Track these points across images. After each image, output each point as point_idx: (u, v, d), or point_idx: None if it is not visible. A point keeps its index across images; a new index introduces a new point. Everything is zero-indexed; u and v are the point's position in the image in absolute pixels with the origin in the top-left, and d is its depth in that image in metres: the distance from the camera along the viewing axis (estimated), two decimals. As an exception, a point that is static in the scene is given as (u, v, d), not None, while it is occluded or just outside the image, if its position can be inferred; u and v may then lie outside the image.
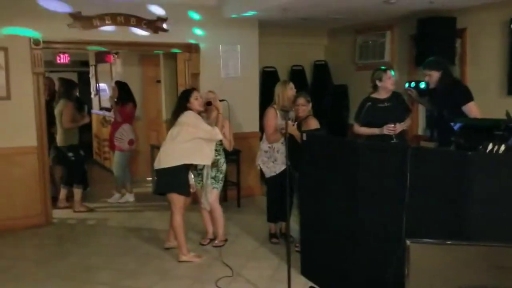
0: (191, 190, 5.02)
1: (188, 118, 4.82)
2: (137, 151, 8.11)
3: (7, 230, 5.84)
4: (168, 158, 4.81)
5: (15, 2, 5.75)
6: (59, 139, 6.80)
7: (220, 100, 5.14)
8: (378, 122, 4.72)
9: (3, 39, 5.74)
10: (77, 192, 6.86)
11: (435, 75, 4.79)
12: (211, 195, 5.24)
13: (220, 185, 5.31)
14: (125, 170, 7.30)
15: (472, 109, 4.63)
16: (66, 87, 6.95)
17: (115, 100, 7.19)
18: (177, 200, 4.84)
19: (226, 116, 5.37)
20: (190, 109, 4.87)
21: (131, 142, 7.16)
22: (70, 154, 6.79)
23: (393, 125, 4.64)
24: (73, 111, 6.79)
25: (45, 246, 5.55)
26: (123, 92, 7.17)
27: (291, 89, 5.21)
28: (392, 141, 4.65)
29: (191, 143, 4.78)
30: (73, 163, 6.85)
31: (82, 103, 7.32)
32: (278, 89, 5.27)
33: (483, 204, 3.08)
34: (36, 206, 6.10)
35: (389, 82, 4.82)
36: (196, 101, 4.92)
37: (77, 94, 7.21)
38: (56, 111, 6.77)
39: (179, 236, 4.90)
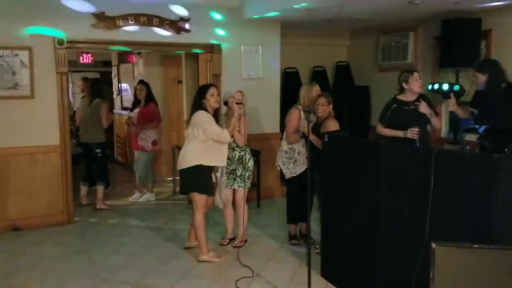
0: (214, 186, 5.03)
1: (198, 118, 4.76)
2: (159, 151, 8.15)
3: (30, 228, 5.91)
4: (185, 158, 4.82)
5: (39, 2, 5.83)
6: (88, 136, 6.94)
7: (237, 103, 4.95)
8: (403, 124, 4.64)
9: (28, 38, 5.81)
10: (100, 189, 6.94)
11: (480, 78, 4.52)
12: (238, 194, 5.24)
13: (246, 183, 5.23)
14: (148, 170, 7.34)
15: None
16: (98, 87, 7.13)
17: (141, 100, 7.23)
18: (198, 200, 4.84)
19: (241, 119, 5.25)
20: (206, 106, 4.79)
21: (154, 143, 7.20)
22: (98, 150, 6.91)
23: (417, 129, 4.55)
24: (108, 110, 7.01)
25: (68, 244, 5.61)
26: (147, 92, 7.21)
27: (316, 91, 5.20)
28: (415, 145, 4.57)
29: (205, 144, 4.76)
30: (100, 160, 6.97)
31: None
32: (303, 90, 5.27)
33: (509, 208, 3.02)
34: (58, 204, 6.16)
35: (416, 85, 4.72)
36: (212, 98, 4.80)
37: None
38: (89, 109, 6.90)
39: (200, 236, 4.89)
